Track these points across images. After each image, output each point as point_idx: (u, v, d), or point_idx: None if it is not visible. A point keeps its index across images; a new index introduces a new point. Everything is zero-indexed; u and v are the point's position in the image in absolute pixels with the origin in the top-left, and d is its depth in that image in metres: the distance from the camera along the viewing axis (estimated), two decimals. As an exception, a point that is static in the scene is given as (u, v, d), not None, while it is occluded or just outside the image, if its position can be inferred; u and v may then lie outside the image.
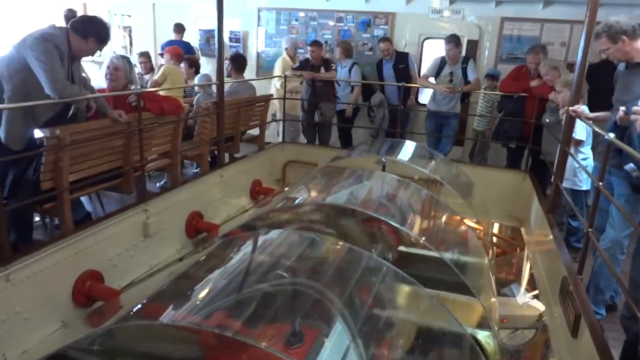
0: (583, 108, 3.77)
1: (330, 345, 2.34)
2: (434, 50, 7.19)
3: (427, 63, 6.61)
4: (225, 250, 2.84)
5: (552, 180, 5.28)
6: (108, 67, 3.95)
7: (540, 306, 5.83)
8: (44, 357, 2.25)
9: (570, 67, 6.12)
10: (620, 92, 3.36)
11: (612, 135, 2.85)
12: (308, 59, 6.60)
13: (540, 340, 5.63)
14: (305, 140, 7.00)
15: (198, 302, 2.35)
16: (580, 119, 3.78)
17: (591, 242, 3.06)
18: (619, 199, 3.32)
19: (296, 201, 4.15)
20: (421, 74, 6.74)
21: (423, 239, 3.47)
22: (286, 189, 6.12)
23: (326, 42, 7.70)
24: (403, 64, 6.74)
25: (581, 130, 4.23)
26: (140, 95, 3.76)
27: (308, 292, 2.64)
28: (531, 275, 5.64)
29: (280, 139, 6.76)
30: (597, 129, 3.18)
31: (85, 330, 3.42)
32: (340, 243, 3.23)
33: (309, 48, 6.57)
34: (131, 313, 2.30)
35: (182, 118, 4.47)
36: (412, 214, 4.16)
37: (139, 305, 2.39)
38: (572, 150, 4.10)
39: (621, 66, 3.44)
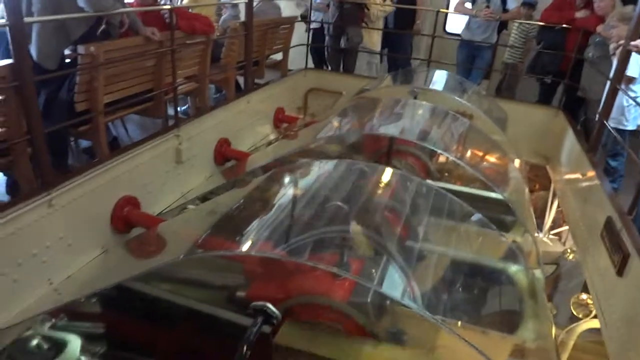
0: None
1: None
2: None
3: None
4: (276, 182, 2.72)
5: (593, 118, 5.14)
6: (136, -21, 3.60)
7: (559, 244, 5.91)
8: (109, 285, 2.21)
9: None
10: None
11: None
12: (336, -22, 6.11)
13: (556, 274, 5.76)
14: (329, 67, 6.67)
15: (263, 236, 2.27)
16: (642, 55, 3.55)
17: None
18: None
19: (333, 132, 4.00)
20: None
21: (478, 174, 3.36)
22: (307, 117, 5.94)
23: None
24: None
25: (634, 67, 4.00)
26: (173, 11, 3.45)
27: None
28: (558, 213, 5.65)
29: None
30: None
31: (125, 257, 3.41)
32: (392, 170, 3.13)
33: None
34: (197, 245, 2.23)
35: (212, 38, 4.16)
36: (458, 146, 4.03)
37: (201, 239, 2.31)
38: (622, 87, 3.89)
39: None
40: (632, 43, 3.56)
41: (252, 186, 2.82)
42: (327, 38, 6.35)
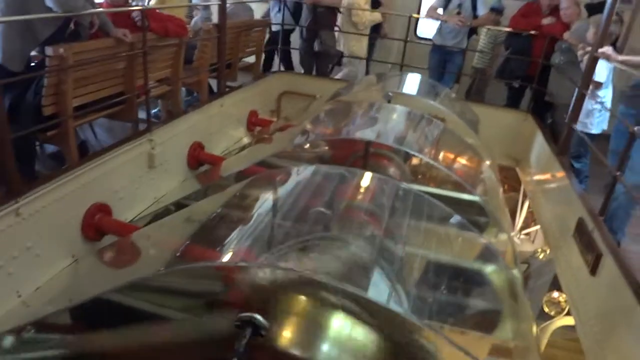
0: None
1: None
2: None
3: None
4: (255, 188, 2.67)
5: (560, 121, 5.29)
6: (106, -21, 3.48)
7: (529, 244, 6.06)
8: (84, 299, 2.10)
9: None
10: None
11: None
12: (310, -20, 6.09)
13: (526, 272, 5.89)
14: (302, 70, 6.64)
15: (246, 244, 2.22)
16: (609, 61, 3.68)
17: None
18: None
19: (309, 137, 3.97)
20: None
21: (454, 176, 3.40)
22: (281, 120, 5.89)
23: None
24: None
25: (602, 73, 4.14)
26: (145, 12, 3.35)
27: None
28: (527, 213, 5.79)
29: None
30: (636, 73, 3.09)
31: (98, 266, 3.28)
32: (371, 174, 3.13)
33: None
34: (177, 255, 2.15)
35: (185, 40, 4.07)
36: (433, 148, 4.07)
37: (182, 247, 2.24)
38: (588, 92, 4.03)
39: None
40: (600, 50, 3.69)
41: (230, 193, 2.75)
42: (300, 41, 6.32)
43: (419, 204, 3.12)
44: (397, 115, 4.51)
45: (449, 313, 2.61)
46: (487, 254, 3.15)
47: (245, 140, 5.57)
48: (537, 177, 5.12)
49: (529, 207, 5.61)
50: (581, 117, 4.38)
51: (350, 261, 2.33)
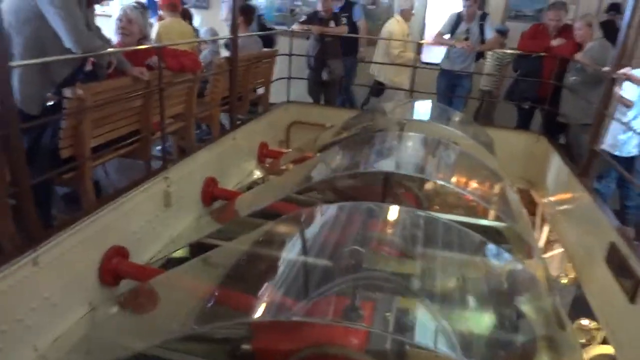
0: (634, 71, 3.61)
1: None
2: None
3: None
4: (286, 228, 2.57)
5: (575, 142, 5.24)
6: (120, 20, 3.43)
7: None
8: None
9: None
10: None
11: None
12: (316, 11, 6.13)
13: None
14: (311, 100, 6.62)
15: (281, 291, 2.10)
16: (631, 81, 3.63)
17: None
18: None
19: (326, 171, 3.88)
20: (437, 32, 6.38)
21: (484, 203, 3.31)
22: (294, 152, 5.82)
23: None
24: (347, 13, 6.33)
25: (631, 90, 4.05)
26: (161, 50, 3.30)
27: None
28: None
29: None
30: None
31: (116, 313, 3.14)
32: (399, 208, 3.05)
33: (321, -1, 6.06)
34: (210, 304, 2.03)
35: (199, 76, 4.02)
36: (456, 175, 3.99)
37: (214, 294, 2.12)
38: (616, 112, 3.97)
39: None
40: (621, 71, 3.64)
41: (257, 233, 2.64)
42: (307, 71, 6.32)
43: (450, 234, 3.02)
44: (413, 143, 4.44)
45: (499, 347, 2.49)
46: (525, 281, 3.03)
47: (257, 172, 5.49)
48: (556, 200, 5.02)
49: (549, 231, 5.48)
50: (610, 139, 4.31)
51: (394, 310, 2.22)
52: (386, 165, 3.66)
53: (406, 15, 6.33)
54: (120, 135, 3.30)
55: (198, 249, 3.47)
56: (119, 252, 3.16)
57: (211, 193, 4.37)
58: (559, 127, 5.58)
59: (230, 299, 2.09)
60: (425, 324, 2.14)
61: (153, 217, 3.62)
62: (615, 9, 5.85)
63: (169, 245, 3.80)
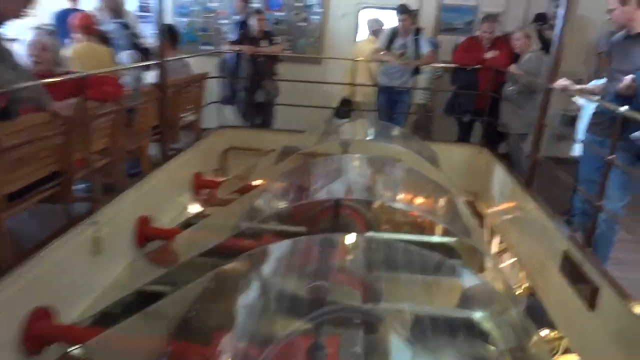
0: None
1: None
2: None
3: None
4: (243, 268, 2.46)
5: (515, 151, 5.54)
6: (32, 46, 3.19)
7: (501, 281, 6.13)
8: None
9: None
10: (618, 62, 3.48)
11: (626, 107, 2.96)
12: (247, 30, 6.10)
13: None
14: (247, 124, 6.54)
15: (243, 340, 2.00)
16: (567, 92, 3.90)
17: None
18: (614, 170, 3.48)
19: (272, 201, 3.83)
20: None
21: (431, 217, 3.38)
22: (234, 180, 5.70)
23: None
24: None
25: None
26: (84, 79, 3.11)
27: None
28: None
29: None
30: (602, 102, 3.28)
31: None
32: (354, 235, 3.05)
33: (255, 16, 6.04)
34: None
35: (126, 105, 3.83)
36: (404, 193, 4.07)
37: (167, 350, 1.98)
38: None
39: (618, 36, 3.57)
40: (556, 84, 3.91)
41: (205, 278, 2.51)
42: (241, 93, 6.26)
43: (402, 255, 3.05)
44: (360, 164, 4.49)
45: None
46: (485, 295, 3.09)
47: (192, 206, 5.31)
48: (503, 210, 5.26)
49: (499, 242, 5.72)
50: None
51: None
52: (335, 190, 3.66)
53: (377, 34, 6.56)
54: (39, 177, 3.04)
55: (138, 298, 3.27)
56: (44, 314, 2.88)
57: (145, 233, 4.15)
58: (499, 137, 5.89)
59: (186, 352, 1.96)
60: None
61: (81, 269, 3.35)
62: (542, 19, 6.34)
63: (102, 298, 3.54)
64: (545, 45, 5.42)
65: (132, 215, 4.09)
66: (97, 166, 3.79)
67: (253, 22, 6.07)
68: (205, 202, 5.18)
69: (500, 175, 5.42)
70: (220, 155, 6.25)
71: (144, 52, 4.99)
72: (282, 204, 3.61)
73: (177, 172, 4.98)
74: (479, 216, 6.15)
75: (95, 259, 3.52)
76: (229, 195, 4.81)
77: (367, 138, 5.24)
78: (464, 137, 6.36)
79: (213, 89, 6.21)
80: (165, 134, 4.51)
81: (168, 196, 4.80)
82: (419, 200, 4.21)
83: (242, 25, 6.35)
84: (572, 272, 3.48)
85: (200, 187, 5.45)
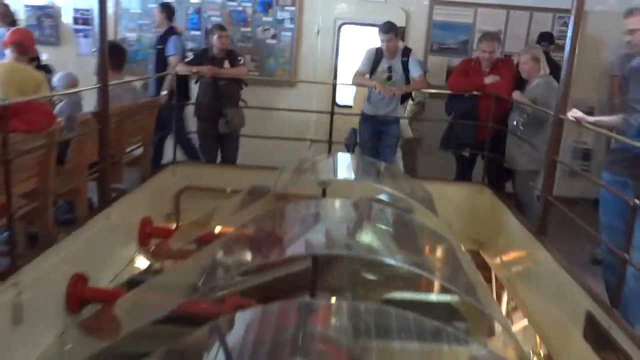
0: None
1: None
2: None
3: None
4: (206, 341, 2.38)
5: (523, 191, 5.61)
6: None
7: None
8: None
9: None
10: (638, 91, 3.60)
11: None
12: (206, 49, 6.17)
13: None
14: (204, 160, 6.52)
15: None
16: (580, 125, 4.01)
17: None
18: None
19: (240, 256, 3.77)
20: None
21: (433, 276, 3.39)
22: (191, 226, 5.61)
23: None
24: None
25: None
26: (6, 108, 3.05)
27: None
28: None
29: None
30: (624, 139, 3.36)
31: None
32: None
33: (215, 34, 6.09)
34: None
35: (58, 138, 3.77)
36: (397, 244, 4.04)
37: None
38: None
39: (636, 61, 3.70)
40: (570, 114, 4.02)
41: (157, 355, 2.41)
42: (198, 123, 6.25)
43: (402, 323, 3.02)
44: (340, 210, 4.47)
45: None
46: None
47: (139, 260, 5.19)
48: (513, 262, 5.29)
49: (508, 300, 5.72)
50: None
51: None
52: (314, 242, 3.62)
53: None
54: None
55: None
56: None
57: (80, 295, 4.01)
58: (504, 174, 5.96)
59: None
60: None
61: (-2, 341, 3.20)
62: (547, 39, 6.56)
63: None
64: (552, 68, 5.58)
65: (64, 274, 3.95)
66: (20, 212, 3.70)
67: (214, 40, 6.12)
68: (154, 256, 5.07)
69: (506, 220, 5.46)
70: (174, 197, 6.16)
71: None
72: (249, 259, 3.54)
73: (120, 218, 4.88)
74: (487, 268, 6.17)
75: (16, 330, 3.38)
76: (184, 246, 4.73)
77: (349, 177, 5.25)
78: (464, 174, 6.41)
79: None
80: (106, 171, 4.42)
81: (109, 249, 4.67)
82: (415, 253, 4.20)
83: (159, 41, 6.58)
84: (597, 338, 3.48)
85: (148, 236, 5.35)
